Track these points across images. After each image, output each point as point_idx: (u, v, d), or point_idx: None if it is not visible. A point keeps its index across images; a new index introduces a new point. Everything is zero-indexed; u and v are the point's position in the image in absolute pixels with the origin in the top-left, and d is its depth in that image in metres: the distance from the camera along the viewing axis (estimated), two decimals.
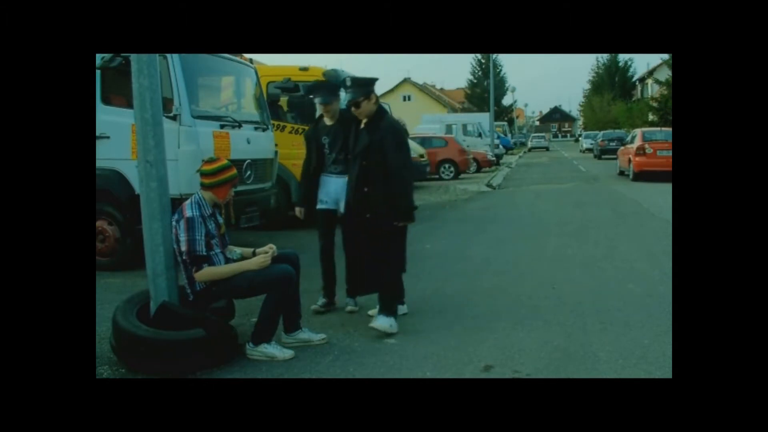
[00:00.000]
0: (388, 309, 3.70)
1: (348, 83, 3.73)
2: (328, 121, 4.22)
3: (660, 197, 10.76)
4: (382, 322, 3.66)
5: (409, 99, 48.94)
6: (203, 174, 3.37)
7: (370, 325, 3.67)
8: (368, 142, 3.67)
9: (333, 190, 4.16)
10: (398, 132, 3.75)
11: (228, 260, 3.42)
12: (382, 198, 3.63)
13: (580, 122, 69.70)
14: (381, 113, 3.77)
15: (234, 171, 3.42)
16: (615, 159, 19.23)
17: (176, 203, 3.47)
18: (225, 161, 3.43)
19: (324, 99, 4.16)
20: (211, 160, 3.41)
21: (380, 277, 3.75)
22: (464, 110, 47.62)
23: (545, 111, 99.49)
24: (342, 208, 4.03)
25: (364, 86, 3.69)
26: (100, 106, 5.32)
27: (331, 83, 4.39)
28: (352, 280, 4.03)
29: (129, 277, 5.11)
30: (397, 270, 3.83)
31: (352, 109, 3.70)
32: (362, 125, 3.75)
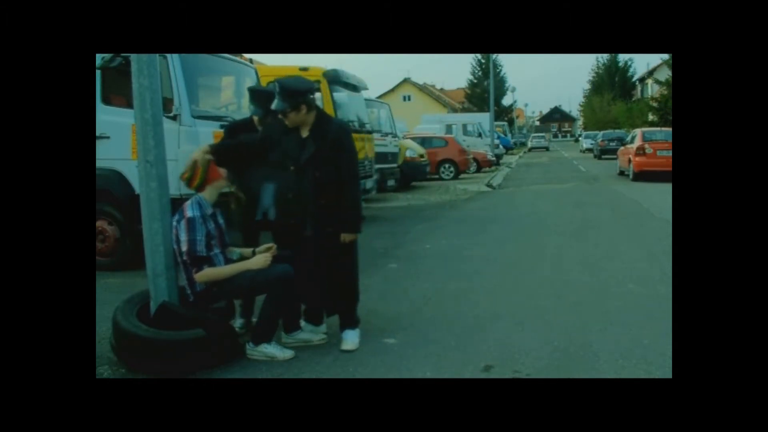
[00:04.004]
0: (352, 322, 3.56)
1: (276, 88, 3.34)
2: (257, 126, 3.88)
3: (660, 197, 10.76)
4: (352, 338, 3.50)
5: (409, 99, 48.96)
6: None
7: (342, 348, 3.45)
8: (314, 150, 3.32)
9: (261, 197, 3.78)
10: (349, 138, 3.46)
11: (228, 261, 3.42)
12: (337, 209, 3.37)
13: (580, 122, 69.71)
14: (322, 120, 3.41)
15: None
16: (615, 159, 19.23)
17: (176, 203, 3.47)
18: None
19: (258, 112, 3.81)
20: None
21: (343, 294, 3.55)
22: (464, 110, 47.61)
23: (545, 111, 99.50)
24: (272, 214, 3.67)
25: (290, 97, 3.26)
26: (100, 106, 5.33)
27: (265, 93, 3.84)
28: (320, 299, 3.64)
29: (129, 277, 5.11)
30: (355, 282, 3.58)
31: (279, 116, 3.37)
32: (305, 133, 3.38)
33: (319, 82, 7.90)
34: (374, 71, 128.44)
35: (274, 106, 3.35)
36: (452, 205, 11.26)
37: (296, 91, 3.29)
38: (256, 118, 3.86)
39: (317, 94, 7.54)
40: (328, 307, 3.64)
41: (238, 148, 3.53)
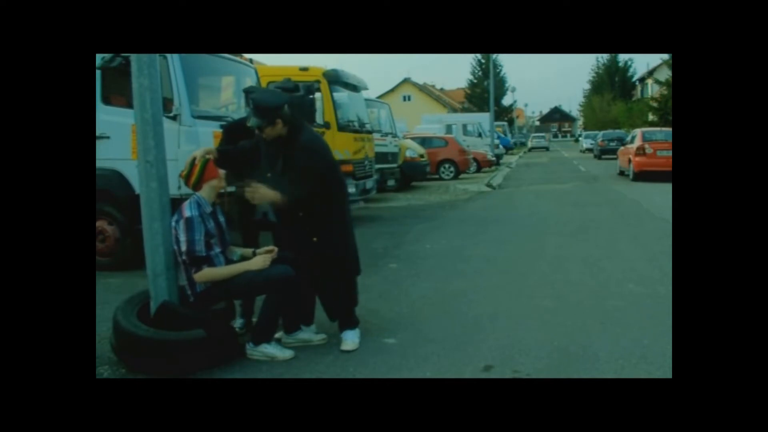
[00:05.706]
0: (351, 322, 3.58)
1: (250, 104, 3.34)
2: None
3: (660, 197, 10.75)
4: (352, 338, 3.52)
5: (409, 99, 48.96)
6: None
7: (342, 348, 3.46)
8: (282, 167, 3.36)
9: None
10: (312, 157, 3.36)
11: (229, 261, 3.42)
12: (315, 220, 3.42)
13: (580, 122, 69.72)
14: (293, 135, 3.36)
15: None
16: (615, 159, 19.24)
17: (176, 203, 3.47)
18: None
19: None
20: None
21: (338, 301, 3.58)
22: (464, 110, 47.57)
23: (545, 111, 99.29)
24: (272, 215, 3.71)
25: (266, 113, 3.27)
26: (100, 106, 5.33)
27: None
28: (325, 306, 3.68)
29: (129, 277, 5.11)
30: (346, 288, 3.59)
31: (256, 132, 3.38)
32: (278, 146, 3.40)
33: (318, 82, 7.91)
34: (374, 71, 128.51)
35: (249, 123, 3.36)
36: (452, 205, 11.26)
37: (269, 107, 3.28)
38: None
39: (317, 94, 7.57)
40: (327, 313, 3.65)
41: (242, 154, 3.55)
